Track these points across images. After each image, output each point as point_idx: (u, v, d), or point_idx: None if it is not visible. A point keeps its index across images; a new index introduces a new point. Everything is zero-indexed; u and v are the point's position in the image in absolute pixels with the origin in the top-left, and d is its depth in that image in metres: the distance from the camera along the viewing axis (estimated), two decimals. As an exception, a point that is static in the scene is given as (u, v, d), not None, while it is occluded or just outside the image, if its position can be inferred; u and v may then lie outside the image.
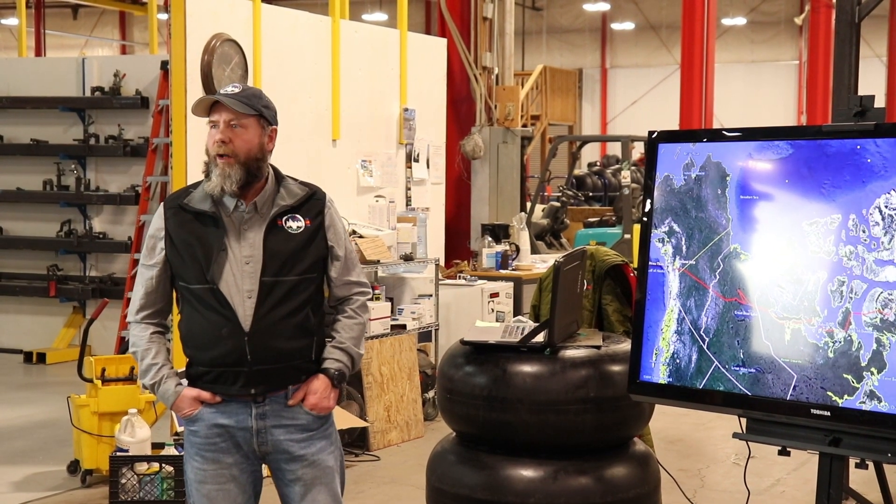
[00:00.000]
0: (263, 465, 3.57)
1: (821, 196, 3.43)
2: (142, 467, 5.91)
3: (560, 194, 15.63)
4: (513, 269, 9.61)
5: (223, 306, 3.39)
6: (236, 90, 3.45)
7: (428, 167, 9.45)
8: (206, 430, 3.45)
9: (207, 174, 3.44)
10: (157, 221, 3.51)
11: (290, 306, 3.43)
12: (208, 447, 3.45)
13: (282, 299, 3.41)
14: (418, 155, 9.31)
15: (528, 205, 13.48)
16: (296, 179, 3.58)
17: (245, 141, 3.41)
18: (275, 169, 3.53)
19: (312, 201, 3.52)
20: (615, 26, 34.52)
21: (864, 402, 3.32)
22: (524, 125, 16.19)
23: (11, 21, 29.61)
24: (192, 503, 3.52)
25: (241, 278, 3.40)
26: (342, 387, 3.53)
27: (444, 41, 10.27)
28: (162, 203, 3.56)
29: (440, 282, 8.38)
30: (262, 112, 3.45)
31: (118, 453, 5.98)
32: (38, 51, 23.24)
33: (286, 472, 3.49)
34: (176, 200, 3.50)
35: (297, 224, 3.47)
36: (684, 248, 3.74)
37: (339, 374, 3.50)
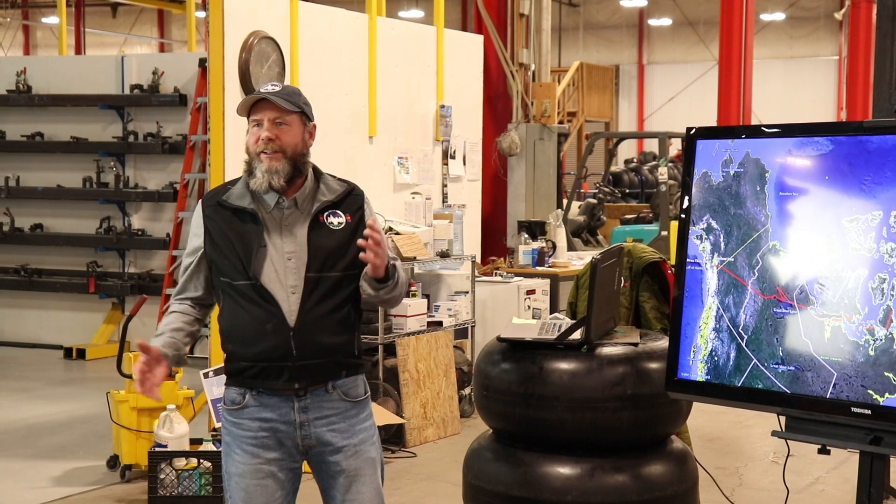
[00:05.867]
0: (304, 462, 3.58)
1: (861, 192, 3.40)
2: (180, 463, 5.95)
3: (597, 191, 15.57)
4: (549, 266, 9.58)
5: (268, 301, 3.40)
6: (277, 88, 3.49)
7: (464, 164, 9.45)
8: (248, 423, 3.46)
9: (250, 172, 3.46)
10: (196, 218, 3.55)
11: (333, 302, 3.45)
12: (250, 440, 3.46)
13: (326, 295, 3.44)
14: (455, 152, 9.31)
15: (565, 202, 13.44)
16: (333, 176, 3.60)
17: (291, 137, 3.45)
18: (313, 165, 3.56)
19: (352, 197, 3.55)
20: (652, 22, 34.36)
21: (905, 401, 3.29)
22: (561, 122, 16.12)
23: (52, 20, 29.90)
24: (229, 497, 3.54)
25: (283, 274, 3.42)
26: (393, 272, 3.45)
27: (480, 38, 10.26)
28: (200, 200, 3.59)
29: (476, 279, 8.38)
30: (303, 109, 3.49)
31: (157, 449, 6.02)
32: (78, 49, 23.45)
33: (330, 465, 3.50)
34: (215, 197, 3.53)
35: (338, 220, 3.50)
36: (722, 244, 3.72)
37: (392, 263, 3.46)
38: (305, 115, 3.50)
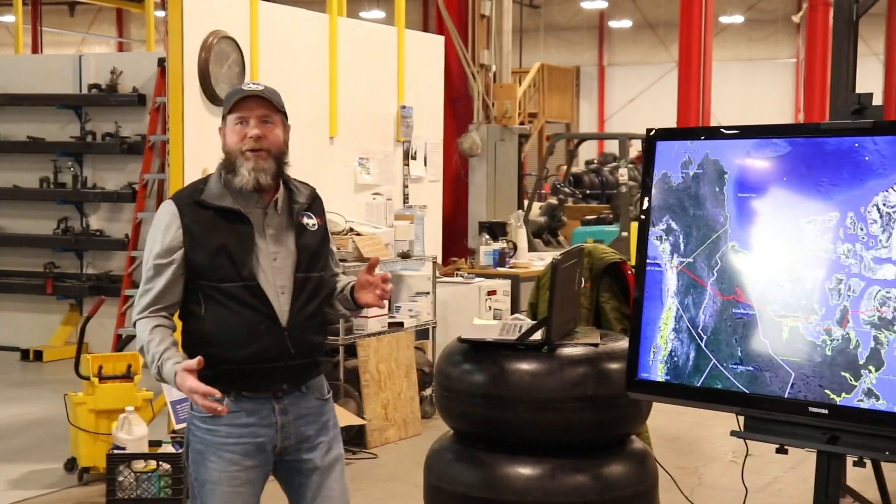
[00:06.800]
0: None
1: (819, 194, 3.43)
2: (139, 465, 5.90)
3: (557, 183, 15.55)
4: (510, 267, 9.61)
5: (261, 302, 3.36)
6: (260, 87, 3.46)
7: (425, 165, 9.45)
8: (227, 429, 3.39)
9: (230, 170, 3.39)
10: (167, 219, 3.40)
11: (316, 302, 3.48)
12: (228, 447, 3.40)
13: (311, 294, 3.46)
14: (416, 152, 9.30)
15: (526, 203, 13.48)
16: (293, 178, 3.59)
17: (276, 136, 3.43)
18: None
19: (317, 200, 3.59)
20: (613, 24, 34.52)
21: (861, 400, 3.32)
22: (521, 123, 16.18)
23: (8, 18, 29.57)
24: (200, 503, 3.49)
25: (271, 274, 3.39)
26: None
27: (441, 38, 10.27)
28: (169, 201, 3.47)
29: (438, 279, 8.38)
30: (284, 110, 3.48)
31: (115, 451, 5.97)
32: (35, 48, 23.21)
33: (304, 462, 3.50)
34: (191, 197, 3.43)
35: (311, 222, 3.52)
36: (682, 245, 3.74)
37: None
38: (286, 116, 3.49)
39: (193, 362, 3.21)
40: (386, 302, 3.49)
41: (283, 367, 3.40)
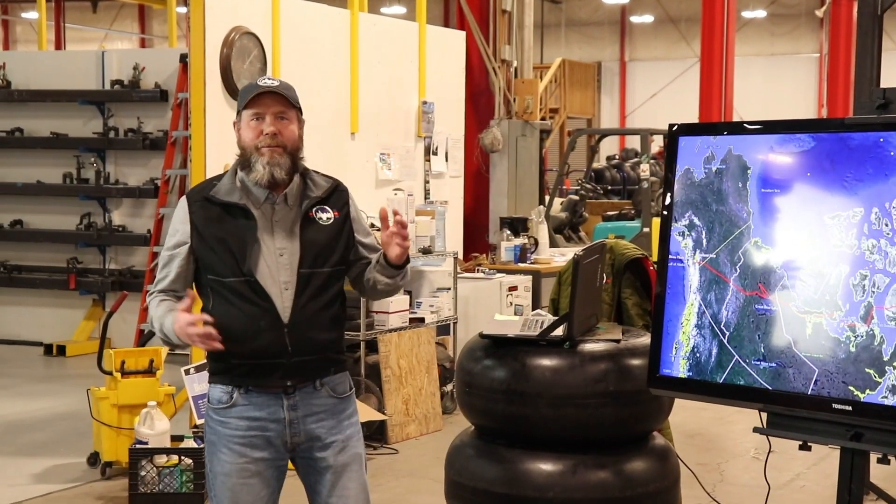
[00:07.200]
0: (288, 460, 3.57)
1: (843, 189, 3.40)
2: (161, 459, 5.93)
3: (579, 187, 15.59)
4: (531, 263, 9.59)
5: (262, 298, 3.38)
6: (276, 83, 3.46)
7: (446, 160, 9.44)
8: (236, 421, 3.43)
9: (246, 166, 3.42)
10: (180, 214, 3.48)
11: (325, 298, 3.45)
12: (237, 440, 3.43)
13: (318, 291, 3.43)
14: (437, 148, 9.30)
15: (547, 198, 13.46)
16: (317, 172, 3.59)
17: (291, 132, 3.44)
18: None
19: (338, 193, 3.55)
20: (634, 19, 34.41)
21: (886, 397, 3.30)
22: (543, 118, 16.15)
23: (32, 15, 29.73)
24: (213, 496, 3.51)
25: (276, 270, 3.40)
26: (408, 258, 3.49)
27: (462, 34, 10.26)
28: (184, 196, 3.54)
29: (458, 275, 8.37)
30: (300, 105, 3.48)
31: (137, 445, 6.00)
32: (58, 44, 23.29)
33: (318, 461, 3.49)
34: (201, 193, 3.48)
35: (326, 216, 3.49)
36: (705, 241, 3.72)
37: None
38: (300, 111, 3.49)
39: (186, 301, 3.30)
40: (410, 234, 3.39)
41: (285, 364, 3.39)
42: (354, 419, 3.58)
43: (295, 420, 3.44)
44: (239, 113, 3.48)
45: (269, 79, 3.50)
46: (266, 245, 3.40)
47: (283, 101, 3.42)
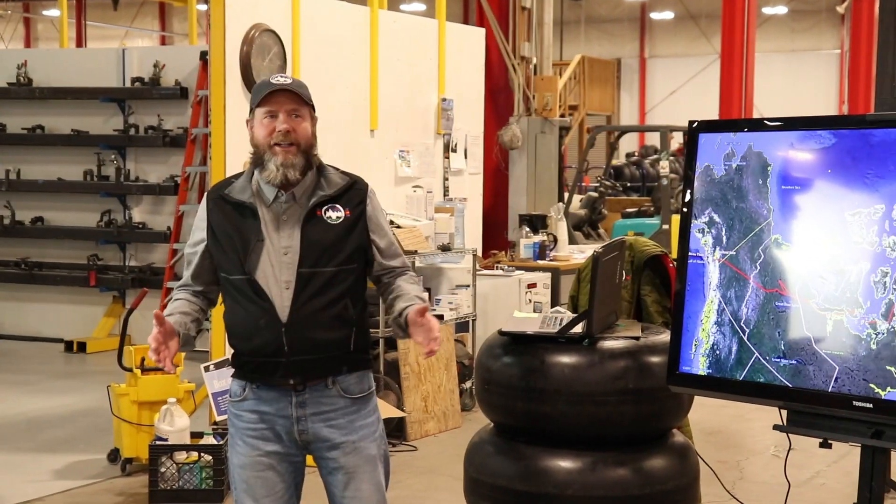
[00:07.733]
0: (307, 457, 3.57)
1: (864, 186, 3.39)
2: (181, 456, 5.94)
3: (598, 184, 15.56)
4: (550, 260, 9.58)
5: (261, 297, 3.39)
6: (288, 80, 3.46)
7: (466, 157, 9.44)
8: (248, 415, 3.47)
9: (260, 164, 3.43)
10: (200, 212, 3.54)
11: (328, 297, 3.41)
12: (249, 432, 3.46)
13: (319, 290, 3.40)
14: (456, 145, 9.30)
15: (566, 195, 13.44)
16: (337, 169, 3.57)
17: (304, 129, 3.43)
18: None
19: (353, 191, 3.50)
20: (654, 16, 34.31)
21: (907, 395, 3.28)
22: (562, 115, 16.12)
23: (53, 12, 29.86)
24: (234, 487, 3.55)
25: (279, 269, 3.40)
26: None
27: (482, 31, 10.25)
28: (206, 194, 3.58)
29: (477, 272, 8.37)
30: (313, 103, 3.48)
31: (157, 442, 6.02)
32: (79, 42, 23.40)
33: (328, 461, 3.49)
34: (218, 191, 3.52)
35: (336, 214, 3.45)
36: (724, 238, 3.71)
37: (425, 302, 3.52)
38: (313, 108, 3.49)
39: (159, 312, 3.39)
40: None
41: (285, 363, 3.40)
42: (371, 419, 3.53)
43: (302, 417, 3.44)
44: (252, 111, 3.48)
45: (281, 76, 3.50)
46: (272, 243, 3.41)
47: (296, 99, 3.42)
